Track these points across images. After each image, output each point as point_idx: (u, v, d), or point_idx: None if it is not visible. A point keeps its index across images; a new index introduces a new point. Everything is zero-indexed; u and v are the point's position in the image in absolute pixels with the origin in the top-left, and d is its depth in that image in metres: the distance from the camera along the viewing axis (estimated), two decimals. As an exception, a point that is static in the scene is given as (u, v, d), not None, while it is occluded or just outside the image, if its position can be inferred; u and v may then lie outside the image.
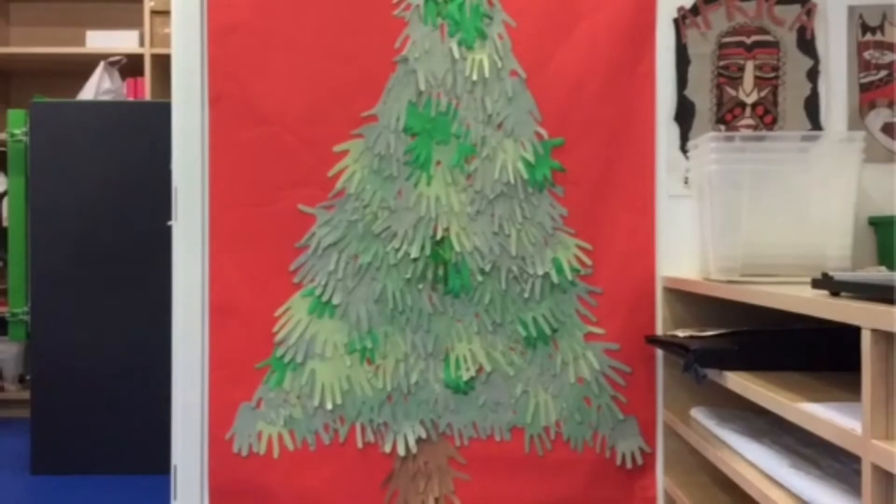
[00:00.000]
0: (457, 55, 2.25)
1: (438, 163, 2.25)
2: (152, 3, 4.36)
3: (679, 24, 2.26)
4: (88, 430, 3.23)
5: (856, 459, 1.27)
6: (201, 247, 2.28)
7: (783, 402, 1.42)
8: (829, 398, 1.44)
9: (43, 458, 3.24)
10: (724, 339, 1.83)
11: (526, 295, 2.25)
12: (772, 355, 1.71)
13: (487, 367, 2.26)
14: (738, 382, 1.61)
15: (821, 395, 1.48)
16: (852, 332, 1.25)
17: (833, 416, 1.30)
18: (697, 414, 2.06)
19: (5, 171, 3.53)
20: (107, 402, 3.24)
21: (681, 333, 2.00)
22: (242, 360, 2.27)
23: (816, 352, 1.71)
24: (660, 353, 2.23)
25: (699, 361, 1.71)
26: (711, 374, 1.73)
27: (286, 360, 2.26)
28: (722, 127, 2.24)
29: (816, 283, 1.50)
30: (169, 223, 2.30)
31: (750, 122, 2.24)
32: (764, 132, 2.22)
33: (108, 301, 3.24)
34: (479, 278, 2.25)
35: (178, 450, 2.29)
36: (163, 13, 4.27)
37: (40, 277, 3.26)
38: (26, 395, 3.47)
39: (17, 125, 3.35)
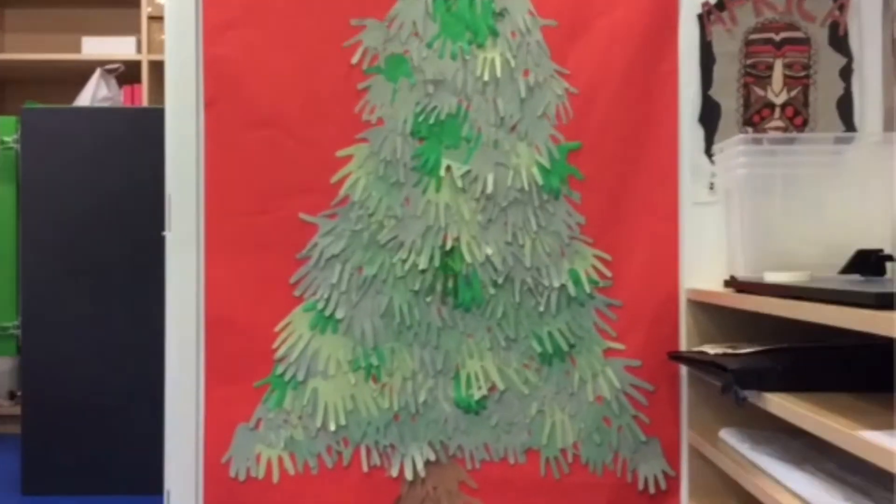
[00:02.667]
0: (467, 54, 2.14)
1: (448, 168, 2.13)
2: (149, 9, 4.28)
3: (703, 20, 2.15)
4: (82, 448, 3.13)
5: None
6: (196, 258, 2.17)
7: (840, 429, 1.28)
8: (881, 423, 1.32)
9: (35, 478, 3.14)
10: (762, 356, 1.70)
11: (541, 308, 2.13)
12: (817, 375, 1.58)
13: (500, 386, 2.14)
14: (784, 407, 1.48)
15: (872, 419, 1.35)
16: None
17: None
18: (727, 436, 1.93)
19: (-4, 180, 3.43)
20: (101, 420, 3.13)
21: (710, 350, 1.88)
22: (240, 378, 2.17)
23: (863, 370, 1.59)
24: (684, 369, 2.11)
25: (739, 382, 1.58)
26: (750, 395, 1.60)
27: (287, 378, 2.16)
28: (749, 129, 2.13)
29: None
30: (163, 233, 2.19)
31: (779, 123, 2.13)
32: (794, 134, 2.10)
33: (101, 314, 3.13)
34: (492, 291, 2.13)
35: (171, 473, 2.19)
36: (160, 19, 4.18)
37: (31, 290, 3.16)
38: (18, 411, 3.36)
39: (8, 132, 3.27)
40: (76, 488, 3.12)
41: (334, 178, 2.15)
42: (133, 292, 3.12)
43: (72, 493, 3.11)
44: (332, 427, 2.14)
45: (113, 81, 4.01)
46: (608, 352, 2.14)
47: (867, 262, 1.72)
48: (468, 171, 2.14)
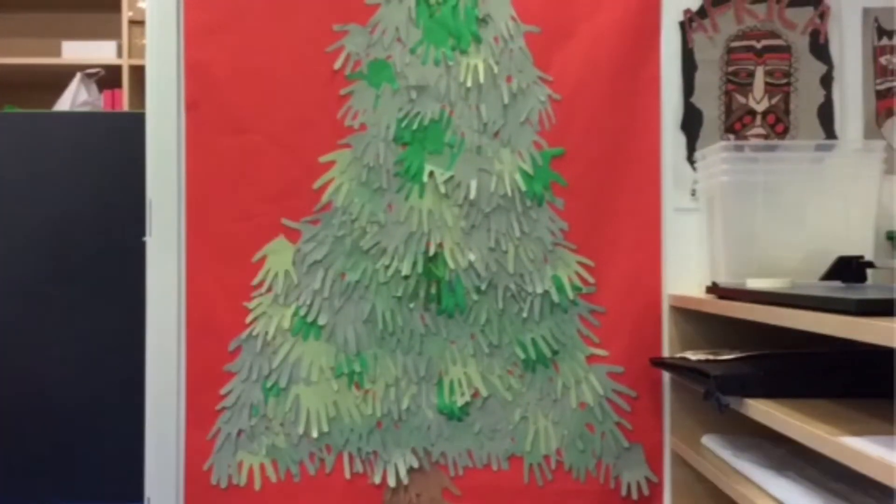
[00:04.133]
0: (450, 60, 2.13)
1: (431, 174, 2.12)
2: (130, 13, 4.23)
3: (685, 27, 2.15)
4: (56, 455, 3.08)
5: (889, 494, 1.15)
6: (177, 263, 2.15)
7: (822, 435, 1.28)
8: (863, 429, 1.32)
9: (6, 485, 3.09)
10: (744, 363, 1.70)
11: (524, 315, 2.12)
12: (799, 381, 1.58)
13: (483, 392, 2.13)
14: (766, 413, 1.48)
15: (854, 425, 1.35)
16: (884, 355, 1.13)
17: (884, 453, 1.16)
18: (709, 442, 1.93)
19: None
20: (76, 426, 3.08)
21: (692, 356, 1.87)
22: (222, 384, 2.14)
23: (845, 376, 1.59)
24: (667, 375, 2.11)
25: (721, 389, 1.58)
26: (732, 402, 1.60)
27: (269, 384, 2.13)
28: (731, 136, 2.13)
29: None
30: (144, 239, 2.16)
31: (760, 130, 2.13)
32: (776, 141, 2.11)
33: (78, 320, 3.09)
34: (475, 297, 2.12)
35: (151, 480, 2.16)
36: (141, 23, 4.13)
37: (4, 295, 3.11)
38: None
39: (-14, 137, 3.20)
40: (55, 495, 3.07)
41: (317, 184, 2.13)
42: (111, 297, 3.08)
43: (50, 501, 3.06)
44: (315, 434, 2.12)
45: (93, 86, 3.97)
46: (591, 358, 2.13)
47: (848, 268, 1.73)
48: (451, 177, 2.13)
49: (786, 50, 2.13)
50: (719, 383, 1.59)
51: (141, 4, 4.15)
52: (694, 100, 2.14)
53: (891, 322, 1.16)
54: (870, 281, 1.78)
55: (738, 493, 1.63)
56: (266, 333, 2.13)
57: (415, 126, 2.13)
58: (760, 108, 2.13)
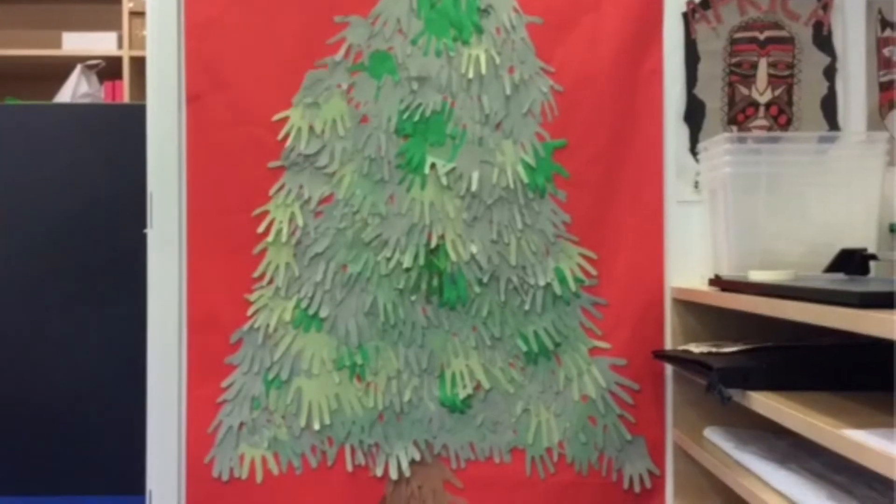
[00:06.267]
0: (452, 51, 2.12)
1: (433, 166, 2.12)
2: (131, 5, 4.22)
3: (688, 18, 2.14)
4: (59, 448, 3.09)
5: (890, 486, 1.15)
6: (178, 256, 2.14)
7: (824, 428, 1.28)
8: (864, 422, 1.31)
9: (9, 479, 3.09)
10: (746, 355, 1.70)
11: (526, 307, 2.12)
12: (801, 374, 1.57)
13: (486, 385, 2.13)
14: (768, 405, 1.48)
15: (855, 418, 1.35)
16: (886, 348, 1.13)
17: (885, 446, 1.16)
18: (712, 435, 1.93)
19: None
20: (78, 419, 3.09)
21: (694, 348, 1.87)
22: (223, 376, 2.14)
23: (847, 369, 1.58)
24: (669, 368, 2.11)
25: (724, 381, 1.57)
26: (735, 394, 1.59)
27: (270, 377, 2.13)
28: (734, 128, 2.12)
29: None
30: (144, 231, 2.16)
31: (763, 122, 2.12)
32: (779, 133, 2.10)
33: (78, 313, 3.09)
34: (477, 289, 2.11)
35: (153, 473, 2.16)
36: (142, 14, 4.12)
37: (5, 286, 3.11)
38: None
39: (-13, 128, 3.19)
40: (49, 488, 3.07)
41: (318, 177, 2.13)
42: (112, 289, 3.08)
43: (44, 494, 3.06)
44: (317, 426, 2.12)
45: (94, 77, 3.97)
46: (594, 350, 2.13)
47: (851, 261, 1.72)
48: (453, 169, 2.12)
49: (789, 41, 2.12)
50: (722, 376, 1.59)
51: (141, -4, 4.13)
52: (697, 91, 2.14)
53: (893, 315, 1.16)
54: (872, 273, 1.77)
55: (740, 486, 1.63)
56: (267, 326, 2.13)
57: (416, 117, 2.12)
58: (763, 99, 2.12)
